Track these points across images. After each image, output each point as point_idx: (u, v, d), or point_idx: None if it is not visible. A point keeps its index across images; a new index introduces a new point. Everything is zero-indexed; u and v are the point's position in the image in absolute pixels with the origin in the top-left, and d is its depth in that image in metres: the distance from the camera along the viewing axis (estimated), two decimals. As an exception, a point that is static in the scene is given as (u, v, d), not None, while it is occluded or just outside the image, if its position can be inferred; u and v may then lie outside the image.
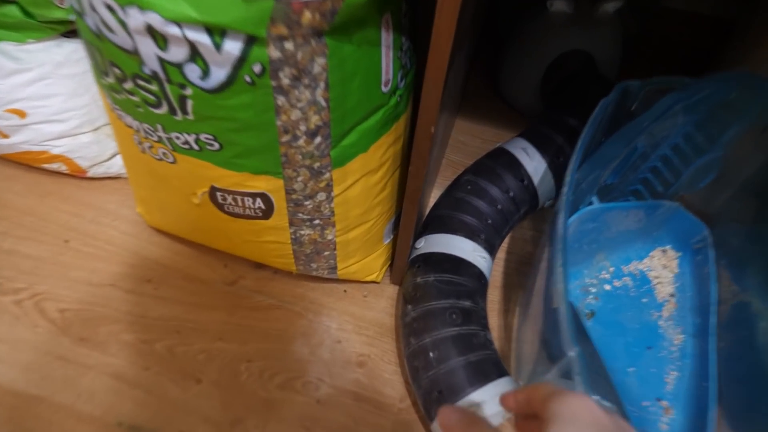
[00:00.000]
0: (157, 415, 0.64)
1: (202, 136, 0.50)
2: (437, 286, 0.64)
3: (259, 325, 0.71)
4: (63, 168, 0.79)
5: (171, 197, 0.62)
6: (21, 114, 0.72)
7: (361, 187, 0.59)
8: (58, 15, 0.66)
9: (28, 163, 0.81)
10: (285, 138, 0.50)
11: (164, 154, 0.54)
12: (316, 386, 0.67)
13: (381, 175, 0.60)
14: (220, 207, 0.59)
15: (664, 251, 0.79)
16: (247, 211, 0.58)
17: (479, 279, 0.67)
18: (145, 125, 0.52)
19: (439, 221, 0.70)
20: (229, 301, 0.73)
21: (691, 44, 1.05)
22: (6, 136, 0.75)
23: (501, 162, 0.74)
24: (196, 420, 0.64)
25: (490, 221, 0.70)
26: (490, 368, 0.59)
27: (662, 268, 0.78)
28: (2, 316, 0.70)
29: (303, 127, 0.49)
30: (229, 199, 0.57)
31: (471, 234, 0.68)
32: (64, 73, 0.72)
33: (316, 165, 0.53)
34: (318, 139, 0.51)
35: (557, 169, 0.74)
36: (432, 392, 0.59)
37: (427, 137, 0.51)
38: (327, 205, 0.59)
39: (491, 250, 0.70)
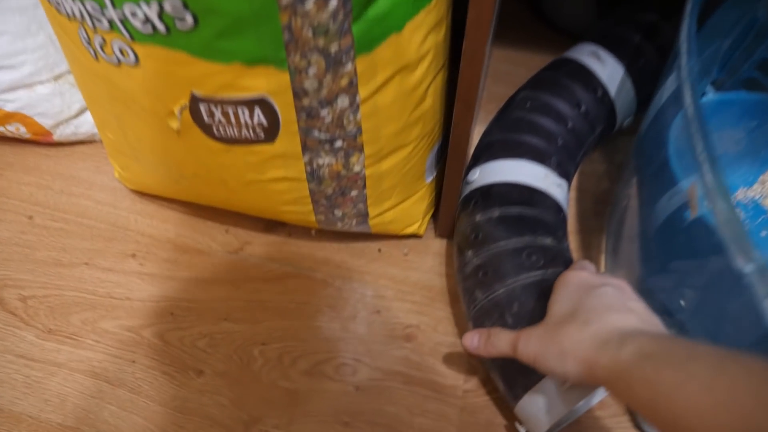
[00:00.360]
0: (149, 421, 0.49)
1: (168, 4, 0.35)
2: (506, 222, 0.48)
3: (273, 299, 0.56)
4: (23, 131, 0.65)
5: (144, 128, 0.47)
6: (-40, 59, 0.58)
7: (395, 90, 0.43)
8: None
9: (-21, 128, 0.66)
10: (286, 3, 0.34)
11: (122, 51, 0.39)
12: (354, 369, 0.52)
13: (420, 75, 0.44)
14: (208, 130, 0.43)
15: (776, 174, 0.63)
16: (245, 132, 0.43)
17: (557, 212, 0.51)
18: (89, 4, 0.37)
19: (495, 147, 0.54)
20: (235, 272, 0.57)
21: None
22: (-53, 92, 0.60)
23: (566, 71, 0.58)
24: (200, 423, 0.49)
25: (561, 142, 0.55)
26: None
27: (779, 192, 0.61)
28: (-52, 310, 0.55)
29: (309, -21, 0.34)
30: (218, 113, 0.42)
31: (540, 158, 0.53)
32: (10, 6, 0.57)
33: (334, 48, 0.38)
34: (334, 2, 0.35)
35: (637, 76, 0.59)
36: (513, 362, 0.43)
37: (486, 19, 0.36)
38: (351, 117, 0.43)
39: (567, 177, 0.54)
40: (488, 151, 0.54)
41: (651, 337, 0.32)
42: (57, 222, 0.61)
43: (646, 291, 0.50)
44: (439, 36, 0.44)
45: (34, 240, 0.60)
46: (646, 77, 0.59)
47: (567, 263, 0.47)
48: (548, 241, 0.47)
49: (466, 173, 0.54)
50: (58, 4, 0.39)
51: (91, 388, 0.51)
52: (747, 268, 0.30)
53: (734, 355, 0.27)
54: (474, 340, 0.44)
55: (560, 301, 0.40)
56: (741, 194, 0.61)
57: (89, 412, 0.50)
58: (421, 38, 0.42)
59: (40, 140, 0.67)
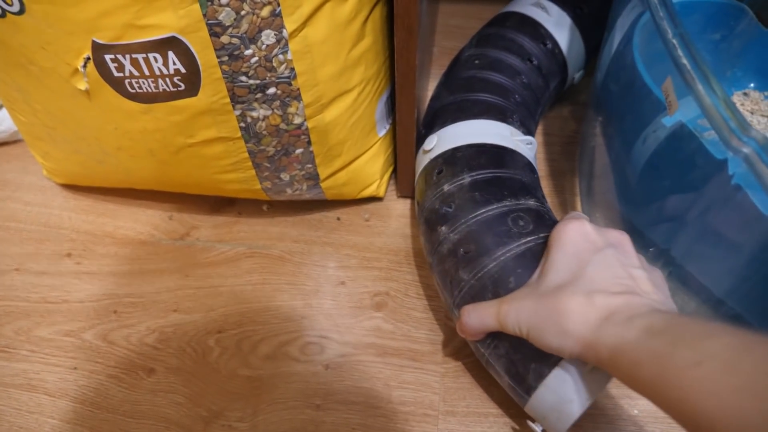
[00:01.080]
0: (98, 430, 0.43)
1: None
2: (480, 187, 0.42)
3: (226, 283, 0.50)
4: (-63, 137, 0.59)
5: (49, 95, 0.41)
6: None
7: (327, 22, 0.39)
8: None
9: None
10: None
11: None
12: (321, 347, 0.46)
13: (354, 5, 0.40)
14: (120, 87, 0.38)
15: (746, 94, 0.59)
16: (162, 84, 0.38)
17: (532, 172, 0.45)
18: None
19: (450, 110, 0.48)
20: (182, 259, 0.52)
21: None
22: None
23: (511, 25, 0.54)
24: (155, 426, 0.43)
25: (519, 99, 0.50)
26: None
27: (750, 114, 0.58)
28: None
29: None
30: (128, 64, 0.37)
31: (501, 115, 0.47)
32: None
33: (246, -31, 0.33)
34: None
35: (583, 24, 0.55)
36: (520, 349, 0.37)
37: None
38: (281, 56, 0.38)
39: (529, 134, 0.49)
40: (443, 115, 0.48)
41: (660, 313, 0.29)
42: (-10, 230, 0.55)
43: (629, 229, 0.46)
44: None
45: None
46: (590, 25, 0.56)
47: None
48: (532, 202, 0.41)
49: (420, 139, 0.49)
50: None
51: (29, 402, 0.45)
52: (745, 147, 0.26)
53: (758, 335, 0.24)
54: (458, 324, 0.39)
55: (556, 266, 0.35)
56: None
57: (28, 430, 0.44)
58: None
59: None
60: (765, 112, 0.58)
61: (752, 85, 0.60)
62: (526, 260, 0.38)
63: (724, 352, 0.24)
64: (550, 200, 0.54)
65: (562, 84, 0.57)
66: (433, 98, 0.53)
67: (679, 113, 0.36)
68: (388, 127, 0.51)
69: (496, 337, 0.38)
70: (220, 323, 0.48)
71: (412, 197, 0.54)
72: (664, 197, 0.41)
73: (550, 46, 0.53)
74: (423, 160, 0.48)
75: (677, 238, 0.41)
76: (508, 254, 0.39)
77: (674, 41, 0.31)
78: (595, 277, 0.33)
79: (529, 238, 0.39)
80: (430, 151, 0.47)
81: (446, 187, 0.43)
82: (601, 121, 0.49)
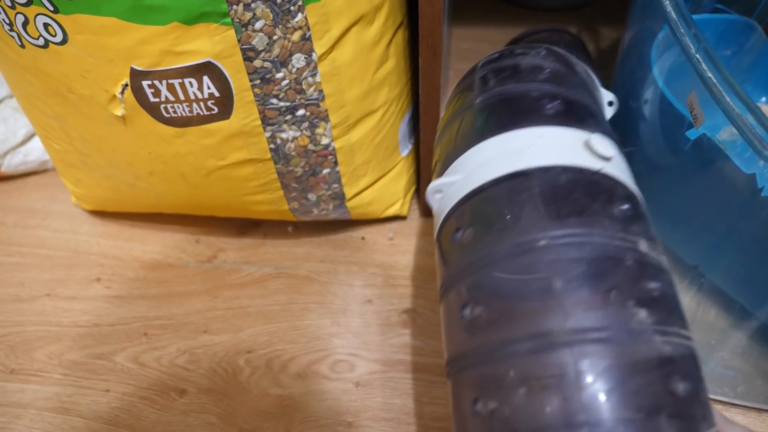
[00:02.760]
0: (128, 451, 0.44)
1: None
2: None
3: (254, 303, 0.51)
4: (-32, 168, 0.60)
5: (86, 122, 0.43)
6: None
7: (354, 45, 0.40)
8: None
9: None
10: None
11: (48, 29, 0.35)
12: (351, 365, 0.47)
13: (379, 28, 0.41)
14: (155, 112, 0.39)
15: (759, 108, 0.60)
16: (196, 108, 0.39)
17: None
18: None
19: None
20: (210, 282, 0.53)
21: None
22: None
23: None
24: (187, 446, 0.43)
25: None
26: None
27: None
28: None
29: None
30: (164, 90, 0.38)
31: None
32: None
33: (279, -4, 0.35)
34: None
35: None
36: None
37: None
38: (310, 79, 0.40)
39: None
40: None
41: None
42: (12, 257, 0.56)
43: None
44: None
45: (7, 279, 0.55)
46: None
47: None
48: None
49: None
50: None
51: (62, 426, 0.45)
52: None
53: None
54: None
55: None
56: (725, 133, 0.58)
57: (62, 452, 0.44)
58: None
59: (-12, 176, 0.62)
60: (779, 124, 0.59)
61: (764, 99, 0.60)
62: None
63: None
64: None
65: None
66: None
67: (704, 127, 0.37)
68: (410, 147, 0.52)
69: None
70: (250, 343, 0.49)
71: (435, 215, 0.55)
72: (691, 214, 0.42)
73: None
74: (447, 203, 0.44)
75: (706, 253, 0.41)
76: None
77: (698, 56, 0.32)
78: None
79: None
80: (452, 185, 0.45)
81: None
82: (620, 138, 0.50)
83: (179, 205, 0.51)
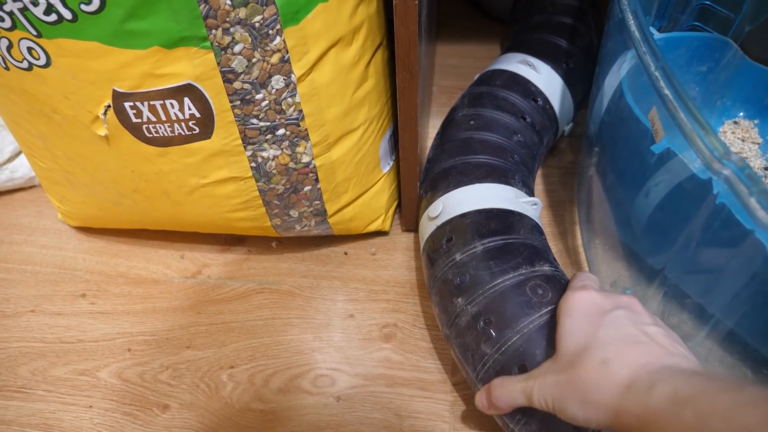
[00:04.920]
0: (110, 467, 0.44)
1: (69, -15, 0.32)
2: (493, 255, 0.41)
3: (238, 318, 0.52)
4: (-45, 185, 0.61)
5: (70, 141, 0.43)
6: None
7: (333, 67, 0.41)
8: None
9: None
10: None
11: (31, 52, 0.36)
12: (332, 379, 0.47)
13: (357, 50, 0.42)
14: (138, 132, 0.40)
15: (736, 122, 0.62)
16: (177, 128, 0.40)
17: (540, 234, 0.45)
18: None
19: (452, 174, 0.48)
20: (194, 297, 0.53)
21: None
22: None
23: (501, 83, 0.55)
24: (168, 461, 0.44)
25: (517, 157, 0.50)
26: None
27: (741, 142, 0.60)
28: None
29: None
30: (146, 110, 0.39)
31: (504, 178, 0.47)
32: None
33: (257, 19, 0.36)
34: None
35: (570, 80, 0.57)
36: (553, 425, 0.36)
37: None
38: (290, 99, 0.40)
39: (531, 194, 0.50)
40: (445, 179, 0.48)
41: (685, 377, 0.28)
42: (13, 274, 0.57)
43: (628, 254, 0.48)
44: (371, 8, 0.43)
45: (-22, 295, 0.55)
46: (577, 79, 0.58)
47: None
48: (546, 268, 0.41)
49: (420, 200, 0.51)
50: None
51: (45, 442, 0.46)
52: (725, 170, 0.28)
53: None
54: (482, 398, 0.38)
55: (568, 334, 0.34)
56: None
57: (44, 468, 0.44)
58: (351, 8, 0.40)
59: (-25, 192, 0.63)
60: (755, 139, 0.60)
61: (741, 114, 0.62)
62: (551, 332, 0.37)
63: (760, 426, 0.22)
64: (550, 230, 0.55)
65: (554, 137, 0.58)
66: (431, 160, 0.53)
67: (667, 140, 0.38)
68: (391, 163, 0.53)
69: (526, 414, 0.37)
70: (233, 358, 0.49)
71: (416, 231, 0.56)
72: (657, 221, 0.43)
73: (540, 102, 0.54)
74: (429, 227, 0.47)
75: (671, 258, 0.42)
76: (531, 326, 0.38)
77: (656, 73, 0.33)
78: (608, 340, 0.32)
79: (550, 308, 0.38)
80: (436, 218, 0.47)
81: (458, 257, 0.43)
82: (597, 152, 0.51)
83: (163, 221, 0.51)
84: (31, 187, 0.64)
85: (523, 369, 0.37)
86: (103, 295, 0.54)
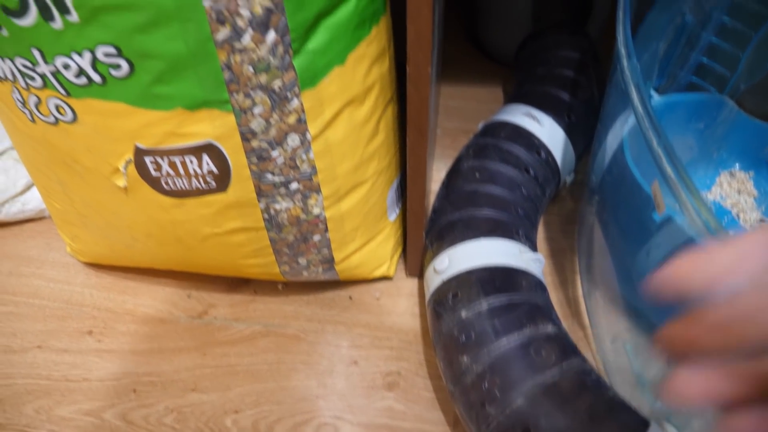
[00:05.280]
0: None
1: (100, 53, 0.33)
2: (498, 314, 0.42)
3: (243, 362, 0.52)
4: (-35, 216, 0.62)
5: (90, 192, 0.44)
6: None
7: (346, 125, 0.42)
8: None
9: None
10: (222, 34, 0.33)
11: (59, 109, 0.37)
12: (335, 428, 0.48)
13: (369, 108, 0.44)
14: (156, 184, 0.41)
15: (731, 174, 0.63)
16: (195, 183, 0.41)
17: (543, 291, 0.47)
18: (19, 61, 0.35)
19: (458, 227, 0.49)
20: (200, 338, 0.54)
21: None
22: None
23: (506, 136, 0.56)
24: (172, 507, 0.44)
25: (521, 212, 0.51)
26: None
27: (737, 194, 0.62)
28: None
29: (246, 13, 0.33)
30: (166, 165, 0.40)
31: (508, 233, 0.48)
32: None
33: (277, 84, 0.37)
34: (272, 35, 0.34)
35: (573, 133, 0.58)
36: None
37: (426, 36, 0.36)
38: (304, 156, 0.42)
39: (534, 248, 0.51)
40: (450, 232, 0.49)
41: None
42: (6, 306, 0.57)
43: (628, 310, 0.49)
44: (384, 67, 0.44)
45: (-14, 328, 0.56)
46: (578, 132, 0.59)
47: (577, 352, 0.42)
48: (549, 328, 0.42)
49: (428, 234, 0.52)
50: (-14, 66, 0.37)
51: (49, 482, 0.46)
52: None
53: None
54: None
55: None
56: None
57: None
58: (365, 70, 0.42)
59: (-16, 223, 0.63)
60: (751, 191, 0.62)
61: (737, 165, 0.63)
62: (553, 398, 0.38)
63: None
64: (551, 279, 0.56)
65: (556, 188, 0.59)
66: (437, 211, 0.54)
67: (669, 209, 0.39)
68: (397, 211, 0.54)
69: None
70: (237, 403, 0.50)
71: (420, 276, 0.57)
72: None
73: (544, 155, 0.55)
74: (435, 280, 0.48)
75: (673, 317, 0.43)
76: (535, 389, 0.38)
77: (659, 150, 0.34)
78: None
79: (553, 370, 0.39)
80: (442, 272, 0.47)
81: (463, 314, 0.43)
82: (597, 201, 0.52)
83: (174, 263, 0.52)
84: (40, 219, 0.65)
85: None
86: (110, 332, 0.55)
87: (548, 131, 0.56)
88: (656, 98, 0.57)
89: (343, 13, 0.38)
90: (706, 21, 0.55)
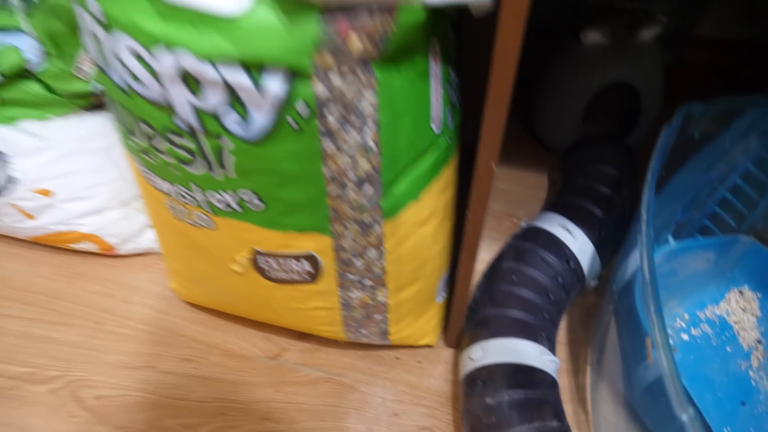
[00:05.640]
0: None
1: (244, 195, 0.46)
2: (516, 407, 0.54)
3: (308, 401, 0.65)
4: (91, 247, 0.76)
5: (209, 267, 0.58)
6: (47, 193, 0.69)
7: (414, 240, 0.54)
8: (80, 87, 0.64)
9: (56, 245, 0.78)
10: (333, 189, 0.46)
11: (201, 218, 0.51)
12: (376, 466, 0.61)
13: (433, 226, 0.55)
14: (263, 273, 0.54)
15: (741, 292, 0.72)
16: (293, 276, 0.54)
17: (554, 389, 0.58)
18: (180, 187, 0.48)
19: (493, 323, 0.61)
20: (274, 376, 0.67)
21: (731, 71, 1.02)
22: (32, 217, 0.72)
23: (542, 243, 0.67)
24: None
25: (547, 316, 0.62)
26: None
27: (742, 311, 0.71)
28: (38, 407, 0.64)
29: (352, 175, 0.45)
30: (274, 263, 0.53)
31: (533, 335, 0.60)
32: (89, 148, 0.69)
33: (366, 218, 0.49)
34: (368, 188, 0.47)
35: (599, 245, 0.68)
36: None
37: (489, 175, 0.47)
38: (378, 263, 0.54)
39: (554, 349, 0.62)
40: (486, 327, 0.61)
41: None
42: (122, 328, 0.72)
43: (630, 414, 0.59)
44: (448, 195, 0.56)
45: (103, 344, 0.70)
46: (606, 246, 0.69)
47: None
48: (555, 423, 0.53)
49: (467, 320, 0.64)
50: (153, 182, 0.51)
51: (154, 480, 0.60)
52: (683, 416, 0.40)
53: None
54: None
55: None
56: (709, 311, 0.71)
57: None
58: (433, 201, 0.53)
59: (105, 253, 0.78)
60: (755, 311, 0.71)
61: (747, 285, 0.72)
62: None
63: None
64: (564, 366, 0.67)
65: (580, 291, 0.70)
66: (476, 302, 0.64)
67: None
68: (444, 295, 0.66)
69: None
70: (301, 435, 0.63)
71: (457, 347, 0.69)
72: (653, 393, 0.54)
73: (573, 265, 0.66)
74: (468, 365, 0.59)
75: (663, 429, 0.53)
76: None
77: (654, 318, 0.45)
78: None
79: None
80: (475, 360, 0.59)
81: (488, 401, 0.55)
82: (615, 305, 0.62)
83: (261, 319, 0.66)
84: (149, 254, 0.79)
85: None
86: (204, 362, 0.69)
87: (579, 244, 0.67)
88: (673, 245, 0.67)
89: (422, 165, 0.49)
90: (731, 171, 0.64)
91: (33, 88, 0.63)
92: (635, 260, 0.58)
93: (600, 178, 0.73)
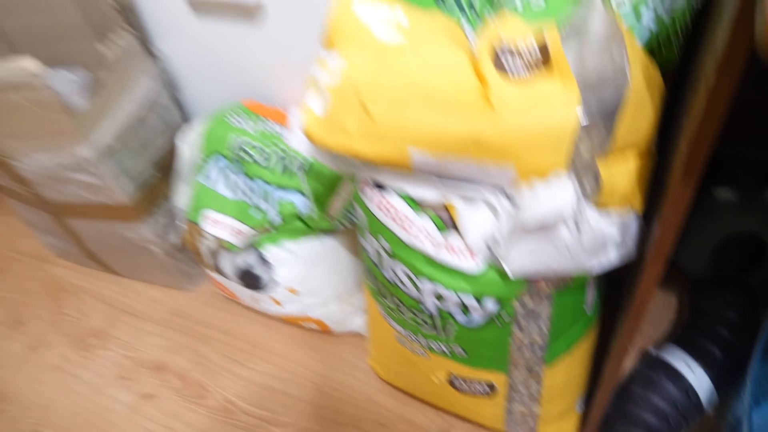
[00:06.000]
0: None
1: (455, 348, 0.70)
2: None
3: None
4: (314, 326, 1.05)
5: (411, 371, 0.82)
6: (294, 292, 0.98)
7: (564, 375, 0.75)
8: (327, 225, 0.92)
9: (291, 322, 1.07)
10: (514, 350, 0.68)
11: (418, 350, 0.75)
12: None
13: (577, 360, 0.76)
14: (453, 385, 0.78)
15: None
16: (474, 391, 0.77)
17: None
18: (410, 332, 0.73)
19: None
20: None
21: None
22: (280, 305, 1.01)
23: (665, 374, 0.83)
24: None
25: None
26: None
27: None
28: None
29: (528, 343, 0.67)
30: (463, 383, 0.76)
31: None
32: (324, 260, 0.97)
33: (533, 365, 0.71)
34: (537, 350, 0.68)
35: (718, 381, 0.83)
36: None
37: (640, 315, 0.67)
38: (537, 389, 0.76)
39: None
40: None
41: None
42: (335, 392, 0.99)
43: None
44: (590, 340, 0.76)
45: (321, 401, 0.98)
46: (722, 381, 0.83)
47: None
48: None
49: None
50: (388, 321, 0.76)
51: None
52: None
53: None
54: None
55: None
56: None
57: None
58: (582, 354, 0.74)
59: (323, 331, 1.06)
60: None
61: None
62: None
63: None
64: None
65: (698, 420, 0.84)
66: (609, 417, 0.81)
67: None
68: (582, 407, 0.86)
69: None
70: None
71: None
72: None
73: (693, 398, 0.81)
74: None
75: None
76: None
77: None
78: None
79: None
80: None
81: None
82: None
83: (438, 404, 0.90)
84: (355, 334, 1.06)
85: None
86: (393, 428, 0.94)
87: (699, 380, 0.83)
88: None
89: (575, 332, 0.70)
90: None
91: (297, 224, 0.92)
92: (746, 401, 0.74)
93: (723, 321, 0.88)
